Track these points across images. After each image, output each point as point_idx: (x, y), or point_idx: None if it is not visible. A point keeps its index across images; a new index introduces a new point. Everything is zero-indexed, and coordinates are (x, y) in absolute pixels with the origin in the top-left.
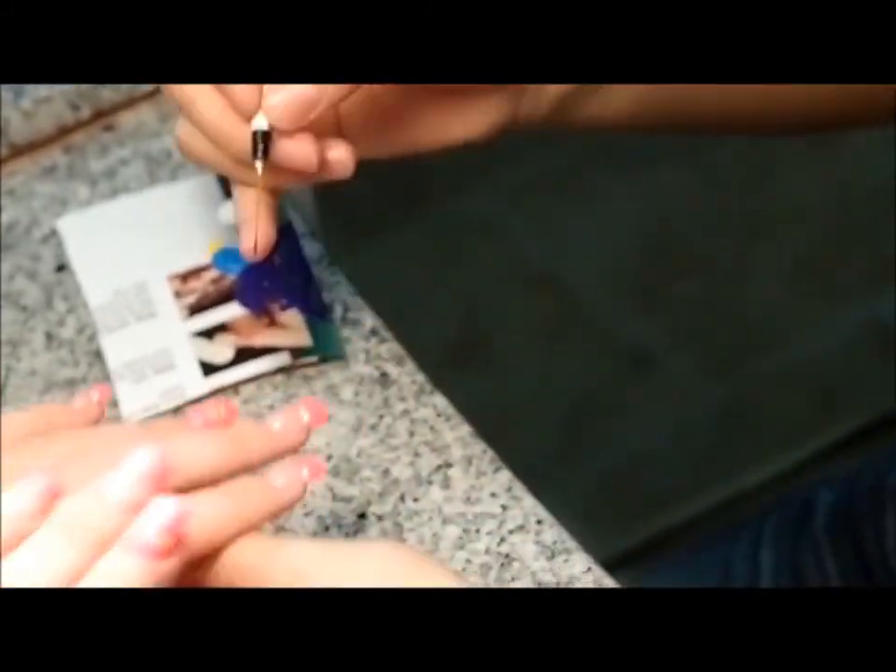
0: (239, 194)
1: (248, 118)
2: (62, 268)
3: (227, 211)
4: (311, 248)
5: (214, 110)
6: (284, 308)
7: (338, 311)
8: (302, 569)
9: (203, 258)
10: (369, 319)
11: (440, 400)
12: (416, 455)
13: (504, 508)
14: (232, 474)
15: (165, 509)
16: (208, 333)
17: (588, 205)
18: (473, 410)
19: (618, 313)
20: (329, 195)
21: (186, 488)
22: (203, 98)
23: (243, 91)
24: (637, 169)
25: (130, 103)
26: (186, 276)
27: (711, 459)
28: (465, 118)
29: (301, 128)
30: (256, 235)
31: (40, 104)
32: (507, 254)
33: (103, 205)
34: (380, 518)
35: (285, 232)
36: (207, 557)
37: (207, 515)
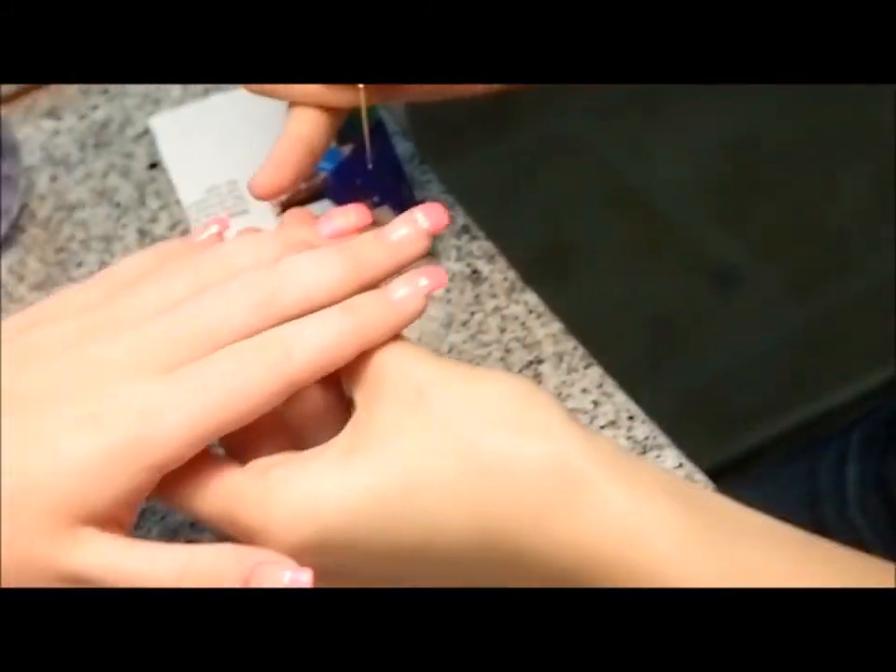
0: (286, 129)
1: None
2: (154, 165)
3: None
4: (402, 147)
5: None
6: (375, 205)
7: None
8: (422, 387)
9: None
10: (460, 217)
11: (531, 297)
12: (507, 350)
13: (595, 403)
14: (352, 290)
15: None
16: None
17: (675, 124)
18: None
19: (704, 230)
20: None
21: (305, 308)
22: None
23: None
24: (725, 88)
25: None
26: None
27: (797, 378)
28: None
29: None
30: (278, 177)
31: None
32: (594, 171)
33: (195, 104)
34: None
35: (376, 130)
36: (346, 368)
37: (327, 334)
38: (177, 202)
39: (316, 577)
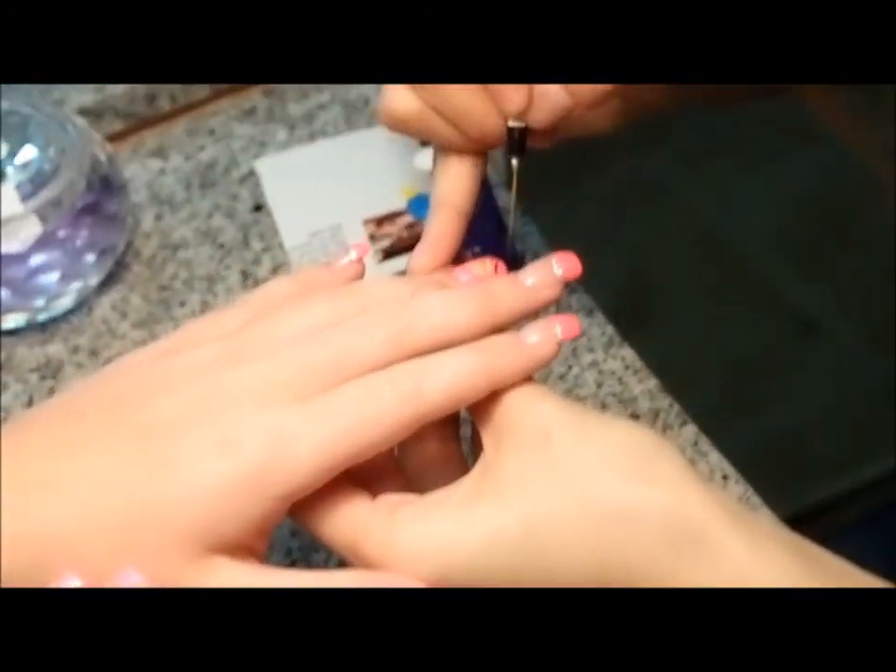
0: (437, 199)
1: (510, 115)
2: (259, 208)
3: (423, 158)
4: (503, 198)
5: (472, 97)
6: (477, 255)
7: (529, 260)
8: (550, 431)
9: (398, 203)
10: None
11: (628, 353)
12: (603, 405)
13: (690, 462)
14: (484, 330)
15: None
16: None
17: (760, 171)
18: None
19: (786, 278)
20: None
21: (437, 345)
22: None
23: (515, 91)
24: (810, 136)
25: None
26: (380, 220)
27: (875, 431)
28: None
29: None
30: (438, 256)
31: None
32: (681, 216)
33: (300, 148)
34: None
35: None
36: (476, 407)
37: (459, 371)
38: (280, 244)
39: None
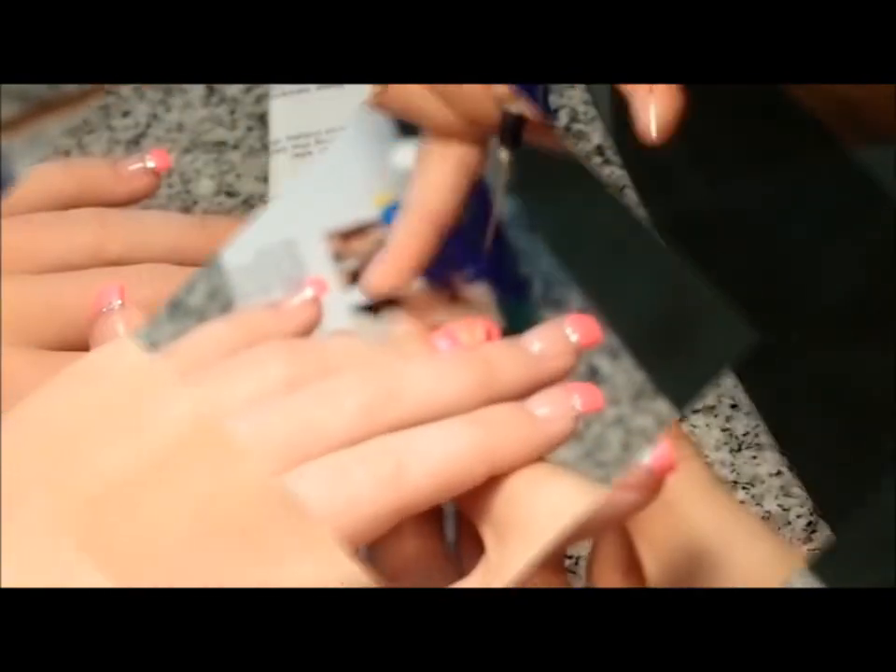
0: (411, 196)
1: (501, 97)
2: None
3: (403, 154)
4: (507, 209)
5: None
6: (470, 281)
7: (537, 287)
8: (561, 510)
9: (370, 212)
10: (596, 135)
11: (662, 407)
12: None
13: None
14: (481, 404)
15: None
16: (373, 308)
17: None
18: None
19: None
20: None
21: (422, 421)
22: None
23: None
24: None
25: None
26: (347, 235)
27: None
28: None
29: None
30: (397, 275)
31: None
32: None
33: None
34: None
35: (475, 187)
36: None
37: (453, 447)
38: (220, 266)
39: None
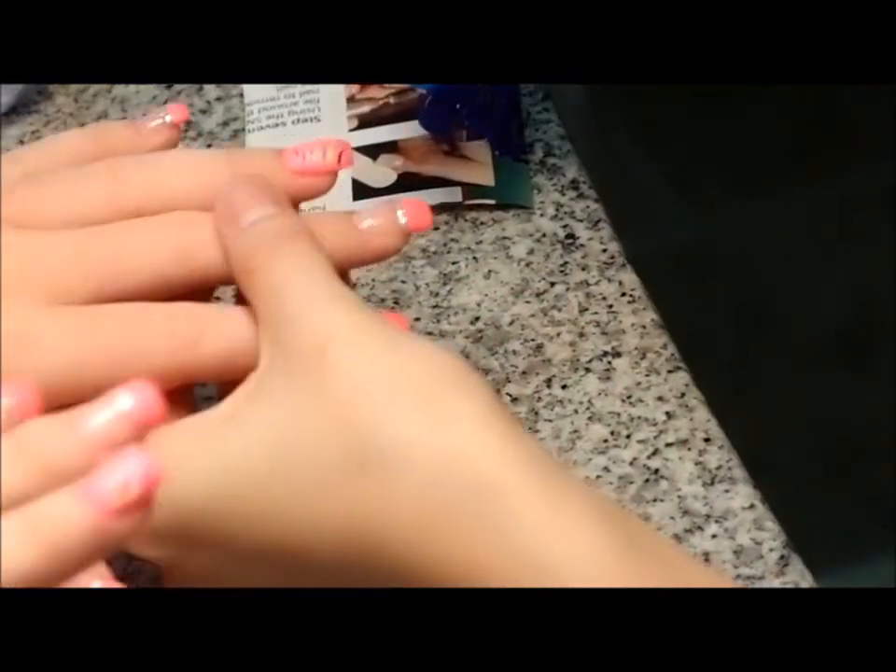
0: None
1: None
2: None
3: None
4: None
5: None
6: (471, 137)
7: (538, 153)
8: (325, 343)
9: None
10: (572, 169)
11: (629, 277)
12: (581, 335)
13: (669, 415)
14: None
15: (135, 463)
16: (373, 150)
17: None
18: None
19: None
20: None
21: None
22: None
23: None
24: None
25: None
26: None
27: None
28: None
29: None
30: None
31: None
32: None
33: None
34: (515, 400)
35: None
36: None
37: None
38: (240, 95)
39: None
